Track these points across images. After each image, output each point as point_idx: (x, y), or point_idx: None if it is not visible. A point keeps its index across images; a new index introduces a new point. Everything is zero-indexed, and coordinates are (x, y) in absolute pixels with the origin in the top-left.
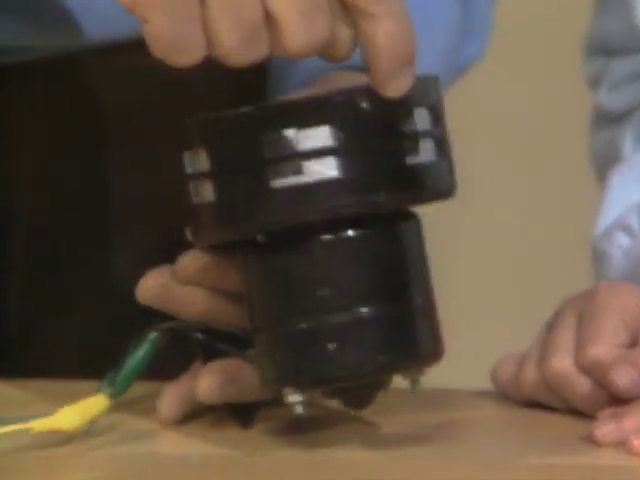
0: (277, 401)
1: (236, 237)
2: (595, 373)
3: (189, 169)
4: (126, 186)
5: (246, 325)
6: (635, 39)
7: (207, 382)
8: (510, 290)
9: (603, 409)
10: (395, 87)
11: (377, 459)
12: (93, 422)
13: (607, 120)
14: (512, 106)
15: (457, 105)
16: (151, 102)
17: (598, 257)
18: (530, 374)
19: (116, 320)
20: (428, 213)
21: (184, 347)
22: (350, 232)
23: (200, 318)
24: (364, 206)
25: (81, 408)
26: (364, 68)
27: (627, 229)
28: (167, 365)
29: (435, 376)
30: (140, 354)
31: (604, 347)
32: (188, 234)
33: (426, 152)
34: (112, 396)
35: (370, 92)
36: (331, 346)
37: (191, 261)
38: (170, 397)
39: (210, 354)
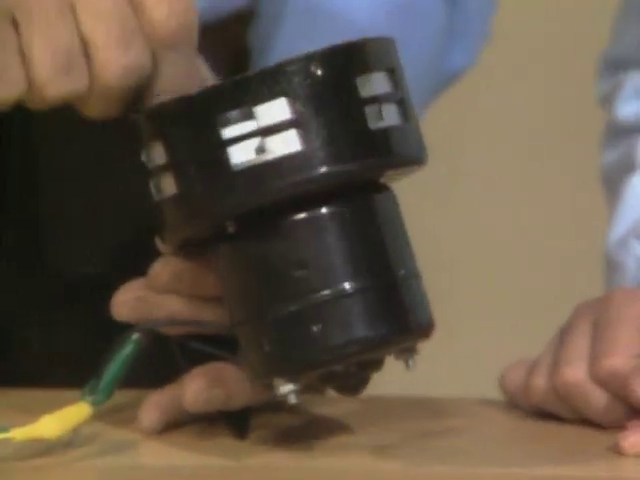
0: (267, 405)
1: (204, 227)
2: (612, 384)
3: (148, 165)
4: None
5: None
6: None
7: (192, 388)
8: (511, 293)
9: (618, 420)
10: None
11: (374, 468)
12: (75, 431)
13: (621, 133)
14: (512, 106)
15: (457, 105)
16: None
17: (611, 265)
18: (541, 382)
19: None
20: (428, 213)
21: (168, 357)
22: (322, 208)
23: (181, 327)
24: (332, 177)
25: (63, 416)
26: None
27: None
28: (150, 375)
29: (434, 383)
30: (123, 355)
31: (620, 357)
32: (158, 242)
33: (390, 116)
34: (96, 403)
35: (324, 58)
36: (316, 328)
37: (164, 267)
38: (151, 406)
39: (195, 360)
